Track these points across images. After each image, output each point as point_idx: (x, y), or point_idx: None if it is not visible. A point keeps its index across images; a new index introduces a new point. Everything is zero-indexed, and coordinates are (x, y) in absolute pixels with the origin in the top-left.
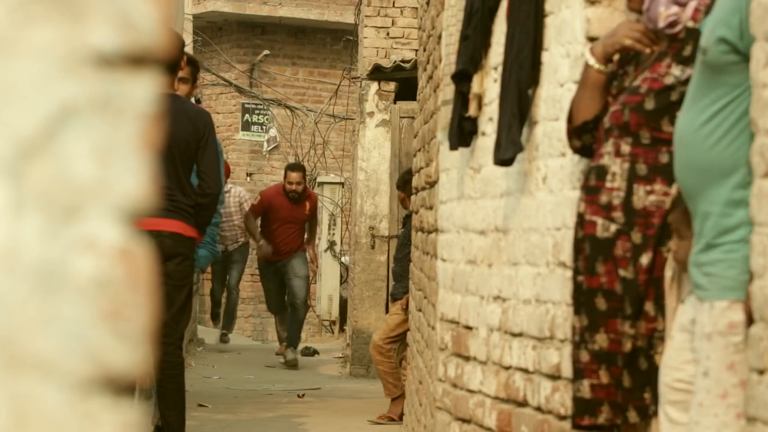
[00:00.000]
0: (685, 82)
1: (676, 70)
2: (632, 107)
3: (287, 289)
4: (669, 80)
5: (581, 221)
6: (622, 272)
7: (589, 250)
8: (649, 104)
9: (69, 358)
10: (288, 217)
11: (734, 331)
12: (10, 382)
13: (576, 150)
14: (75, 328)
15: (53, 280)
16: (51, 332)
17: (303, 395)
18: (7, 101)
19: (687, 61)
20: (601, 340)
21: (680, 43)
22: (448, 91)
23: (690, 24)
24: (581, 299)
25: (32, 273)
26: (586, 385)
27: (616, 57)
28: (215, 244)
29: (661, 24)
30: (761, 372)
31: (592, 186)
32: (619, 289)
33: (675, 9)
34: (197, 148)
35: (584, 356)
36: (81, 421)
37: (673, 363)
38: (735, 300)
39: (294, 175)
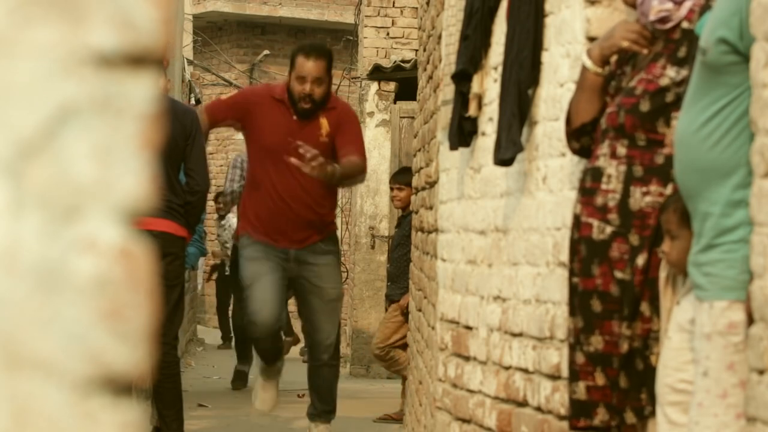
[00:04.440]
0: (680, 83)
1: (671, 71)
2: (627, 109)
3: (304, 320)
4: (664, 81)
5: (577, 223)
6: (618, 274)
7: (584, 251)
8: (645, 106)
9: (69, 358)
10: (289, 146)
11: (734, 331)
12: (10, 382)
13: (575, 151)
14: (75, 328)
15: (53, 280)
16: (51, 332)
17: (303, 395)
18: (7, 101)
19: (682, 62)
20: (596, 341)
21: (675, 44)
22: (448, 91)
23: (685, 24)
24: (576, 301)
25: (32, 273)
26: (581, 386)
27: (613, 58)
28: (202, 241)
29: (652, 17)
30: (761, 372)
31: (588, 188)
32: (615, 291)
33: (668, 5)
34: (185, 145)
35: (579, 358)
36: (81, 421)
37: (674, 364)
38: (734, 300)
39: (310, 66)
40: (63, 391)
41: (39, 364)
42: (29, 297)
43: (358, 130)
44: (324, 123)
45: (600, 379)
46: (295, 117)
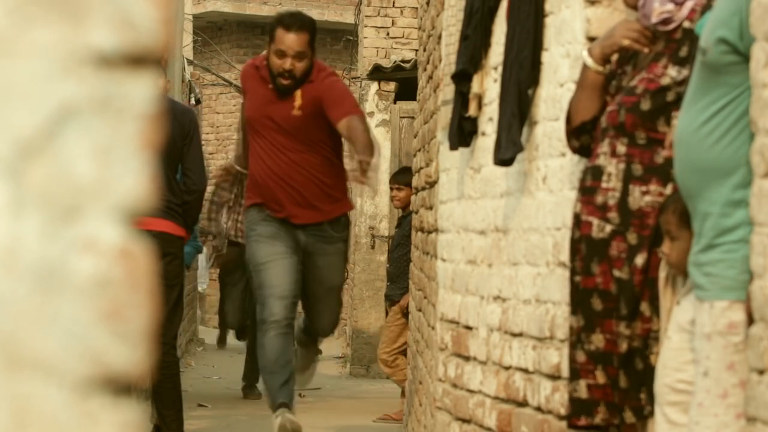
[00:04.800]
0: (681, 82)
1: (672, 71)
2: (628, 108)
3: (304, 304)
4: (665, 81)
5: (578, 221)
6: (617, 273)
7: (585, 250)
8: (645, 105)
9: (69, 358)
10: (273, 123)
11: (734, 331)
12: (10, 382)
13: (575, 150)
14: (75, 328)
15: (53, 280)
16: (51, 332)
17: (303, 395)
18: (7, 101)
19: (683, 62)
20: (597, 340)
21: (677, 44)
22: (448, 91)
23: (686, 24)
24: (577, 299)
25: (32, 273)
26: (582, 385)
27: (614, 57)
28: (197, 240)
29: (654, 20)
30: (761, 372)
31: (588, 186)
32: (614, 290)
33: (670, 6)
34: (183, 145)
35: (580, 356)
36: (81, 421)
37: (674, 364)
38: (735, 300)
39: (291, 39)
40: (63, 391)
41: (39, 364)
42: (29, 297)
43: (343, 91)
44: (297, 95)
45: (601, 378)
46: (271, 87)
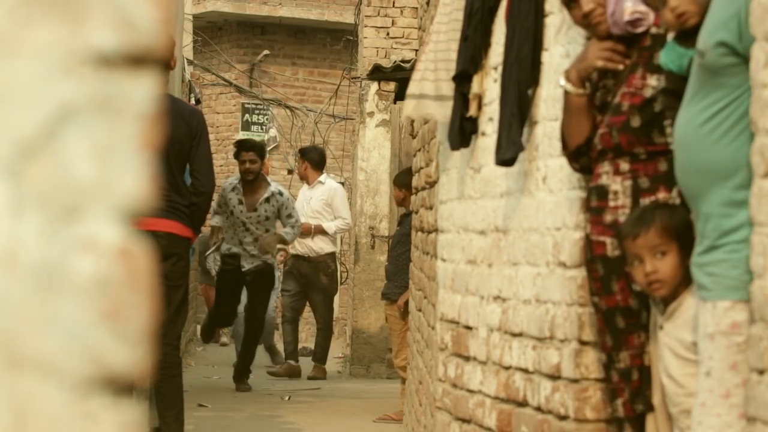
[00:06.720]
0: (664, 90)
1: (652, 80)
2: (619, 128)
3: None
4: (648, 93)
5: (589, 243)
6: (636, 287)
7: (602, 270)
8: (635, 122)
9: (69, 358)
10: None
11: (737, 331)
12: (10, 382)
13: (577, 171)
14: (75, 328)
15: (53, 280)
16: (51, 332)
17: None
18: (7, 101)
19: (659, 69)
20: (624, 357)
21: (648, 51)
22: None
23: (654, 30)
24: (604, 320)
25: (32, 273)
26: (619, 404)
27: (593, 74)
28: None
29: (627, 17)
30: (761, 372)
31: (594, 207)
32: (635, 305)
33: (642, 8)
34: (190, 147)
35: (614, 376)
36: (81, 421)
37: (684, 391)
38: (738, 300)
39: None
40: (63, 391)
41: (39, 364)
42: (29, 297)
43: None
44: None
45: (627, 394)
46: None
